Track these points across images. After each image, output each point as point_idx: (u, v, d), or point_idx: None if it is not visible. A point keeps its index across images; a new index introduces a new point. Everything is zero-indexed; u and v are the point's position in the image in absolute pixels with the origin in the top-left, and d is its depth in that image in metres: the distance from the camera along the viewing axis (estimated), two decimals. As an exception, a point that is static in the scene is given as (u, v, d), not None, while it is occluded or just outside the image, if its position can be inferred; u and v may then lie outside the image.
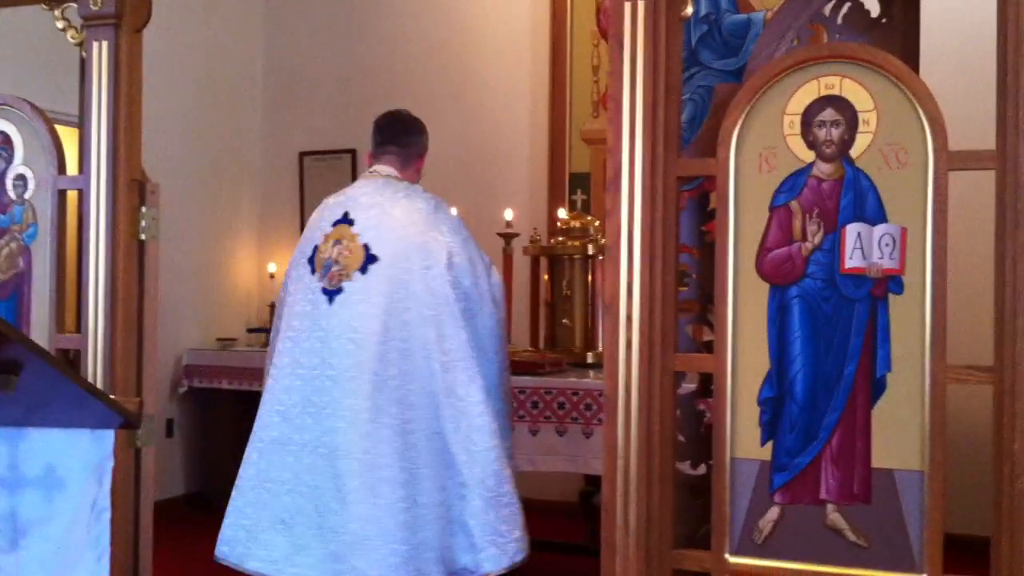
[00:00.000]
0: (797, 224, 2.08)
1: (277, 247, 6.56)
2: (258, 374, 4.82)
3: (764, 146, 2.11)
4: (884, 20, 2.34)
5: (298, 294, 2.96)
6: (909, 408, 2.01)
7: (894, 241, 2.02)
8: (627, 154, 2.14)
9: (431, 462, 2.78)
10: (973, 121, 2.37)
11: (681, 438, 2.39)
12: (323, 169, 6.51)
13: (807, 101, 2.08)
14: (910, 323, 2.01)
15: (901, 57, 2.10)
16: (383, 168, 3.07)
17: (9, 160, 2.91)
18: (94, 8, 2.71)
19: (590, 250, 4.68)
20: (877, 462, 2.03)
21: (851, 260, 2.05)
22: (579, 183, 5.95)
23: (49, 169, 2.86)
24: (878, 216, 2.03)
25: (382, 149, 3.10)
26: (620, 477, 2.14)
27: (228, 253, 6.52)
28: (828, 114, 2.07)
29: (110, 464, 1.76)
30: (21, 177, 2.90)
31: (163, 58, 5.16)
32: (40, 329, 2.83)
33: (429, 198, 2.98)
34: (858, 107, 2.05)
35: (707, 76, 2.62)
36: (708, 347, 2.35)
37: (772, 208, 2.10)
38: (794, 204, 2.09)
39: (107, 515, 1.76)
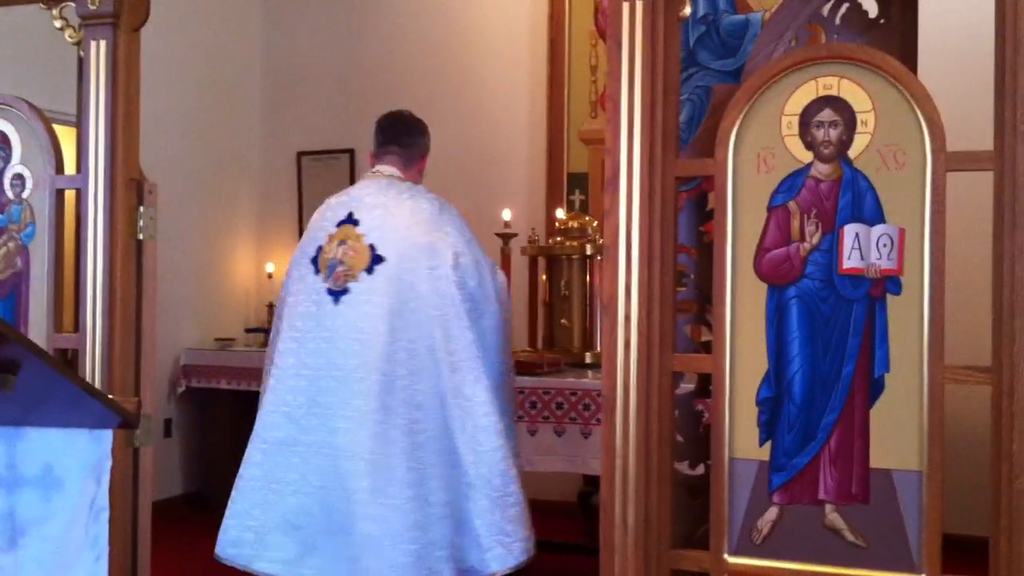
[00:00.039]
0: (795, 224, 2.08)
1: (275, 247, 6.56)
2: (256, 374, 4.81)
3: (762, 146, 2.10)
4: (882, 21, 2.34)
5: (301, 294, 2.95)
6: (907, 408, 2.01)
7: (892, 242, 2.02)
8: (625, 154, 2.14)
9: (439, 462, 2.78)
10: (971, 122, 2.38)
11: (679, 438, 2.39)
12: (321, 169, 6.51)
13: (805, 102, 2.08)
14: (908, 324, 2.01)
15: (899, 58, 2.10)
16: (386, 168, 3.06)
17: (7, 159, 2.90)
18: (92, 7, 2.70)
19: (588, 250, 4.68)
20: (875, 462, 2.03)
21: (849, 261, 2.05)
22: (577, 183, 5.95)
23: (47, 168, 2.86)
24: (876, 217, 2.03)
25: (384, 149, 3.10)
26: (619, 477, 2.14)
27: (226, 253, 6.52)
28: (826, 115, 2.06)
29: (108, 464, 1.76)
30: (19, 176, 2.89)
31: (161, 57, 5.15)
32: (38, 329, 2.83)
33: (433, 199, 2.98)
34: (856, 108, 2.05)
35: (705, 76, 2.62)
36: (706, 347, 2.35)
37: (770, 208, 2.10)
38: (792, 204, 2.08)
39: (105, 515, 1.75)
